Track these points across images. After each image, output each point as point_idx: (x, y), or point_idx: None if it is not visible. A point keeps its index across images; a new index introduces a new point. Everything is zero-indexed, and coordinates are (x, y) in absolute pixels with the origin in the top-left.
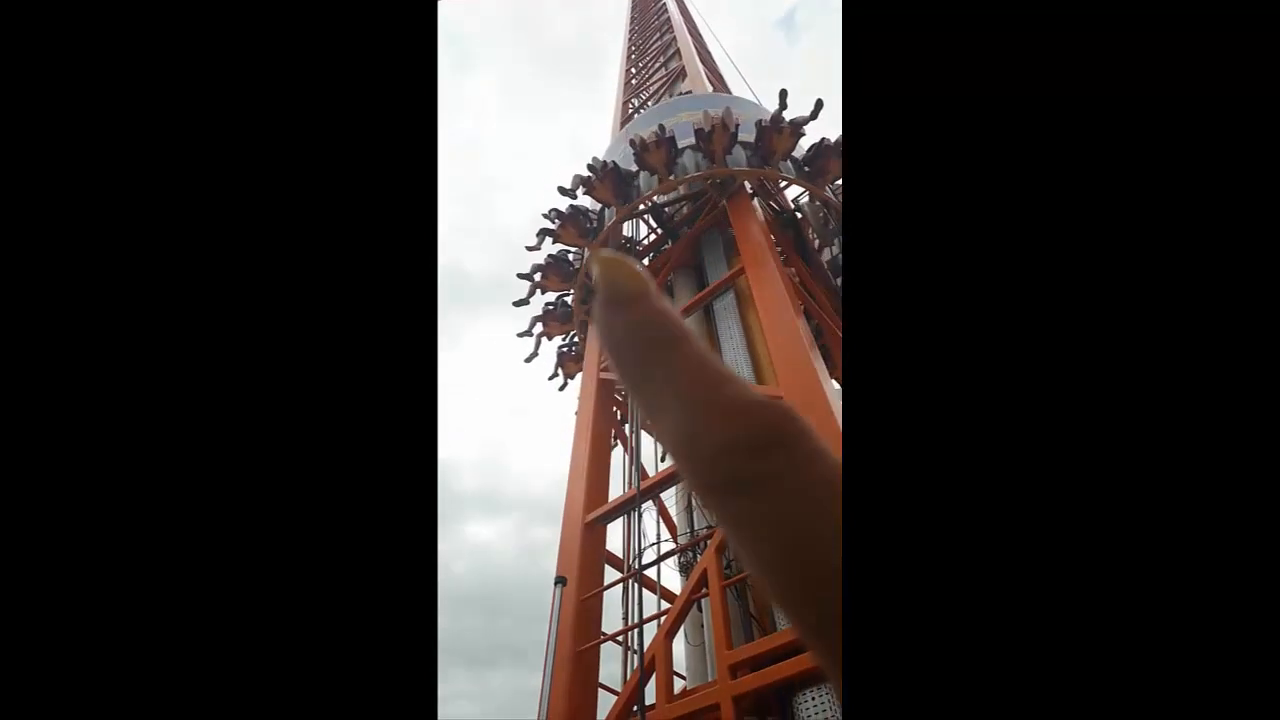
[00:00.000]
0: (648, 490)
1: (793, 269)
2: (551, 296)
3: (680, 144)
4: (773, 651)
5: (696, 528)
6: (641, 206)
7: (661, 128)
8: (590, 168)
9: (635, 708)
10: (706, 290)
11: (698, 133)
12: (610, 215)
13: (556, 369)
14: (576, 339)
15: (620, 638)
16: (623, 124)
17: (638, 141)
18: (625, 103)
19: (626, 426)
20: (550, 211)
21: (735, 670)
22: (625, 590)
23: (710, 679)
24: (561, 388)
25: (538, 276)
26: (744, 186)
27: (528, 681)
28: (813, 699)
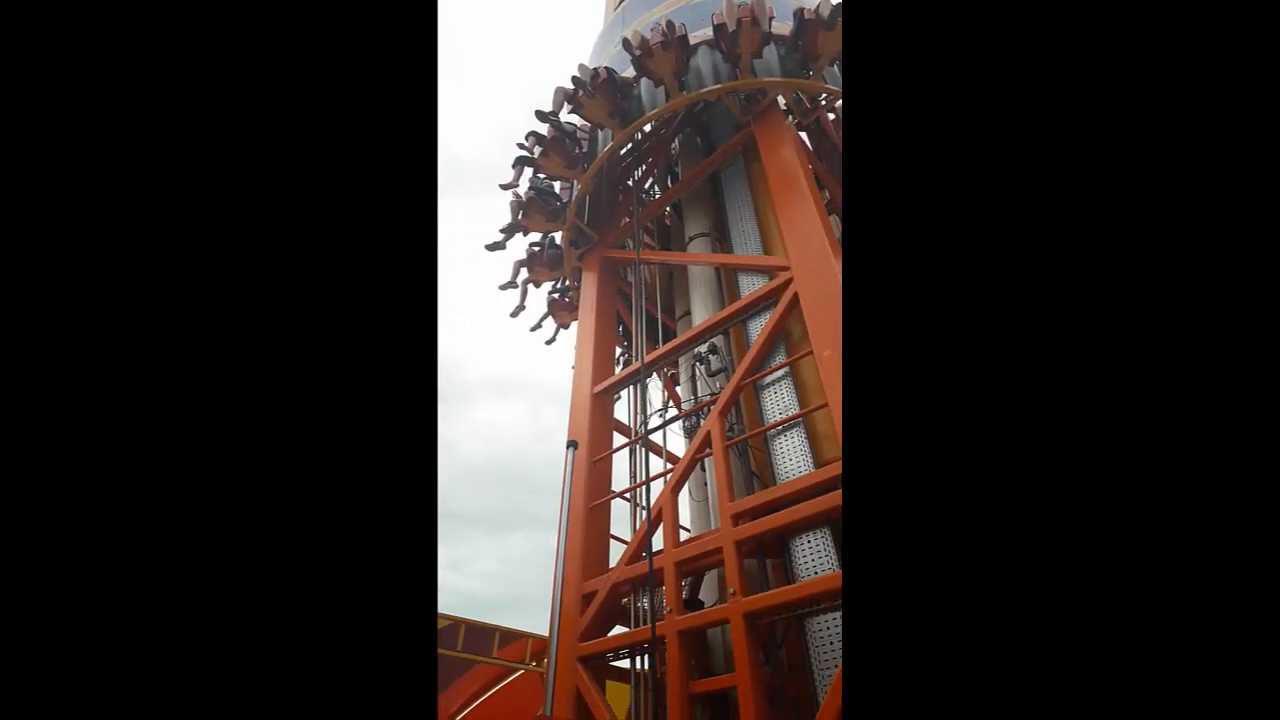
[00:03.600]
0: (652, 363)
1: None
2: (535, 237)
3: (692, 38)
4: (772, 503)
5: (700, 395)
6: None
7: (670, 24)
8: (576, 80)
9: (643, 554)
10: (749, 369)
11: (718, 28)
12: (605, 139)
13: (544, 318)
14: (569, 284)
15: (629, 495)
16: (617, 4)
17: (637, 41)
18: None
19: (632, 301)
20: (529, 136)
21: (737, 519)
22: (633, 454)
23: (714, 528)
24: (550, 340)
25: (519, 216)
26: (777, 102)
27: (543, 543)
28: (809, 543)
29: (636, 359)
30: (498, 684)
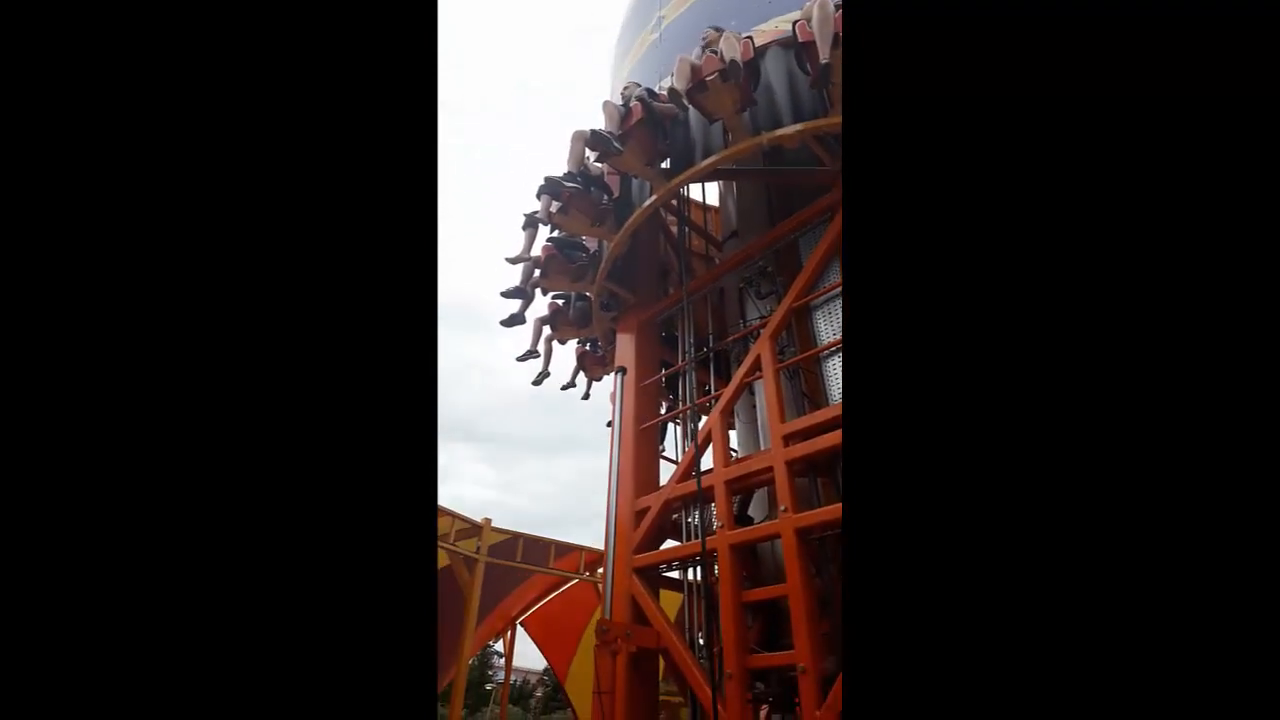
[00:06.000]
0: (696, 290)
1: None
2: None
3: (757, 37)
4: (824, 424)
5: (749, 319)
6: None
7: (722, 36)
8: (595, 136)
9: (693, 472)
10: (801, 290)
11: (801, 49)
12: (643, 186)
13: (576, 374)
14: (600, 343)
15: (678, 418)
16: None
17: (684, 74)
18: None
19: (674, 229)
20: (541, 191)
21: (788, 440)
22: (682, 377)
23: (764, 449)
24: (585, 395)
25: (536, 274)
26: None
27: (591, 464)
28: None
29: (681, 289)
30: (554, 591)
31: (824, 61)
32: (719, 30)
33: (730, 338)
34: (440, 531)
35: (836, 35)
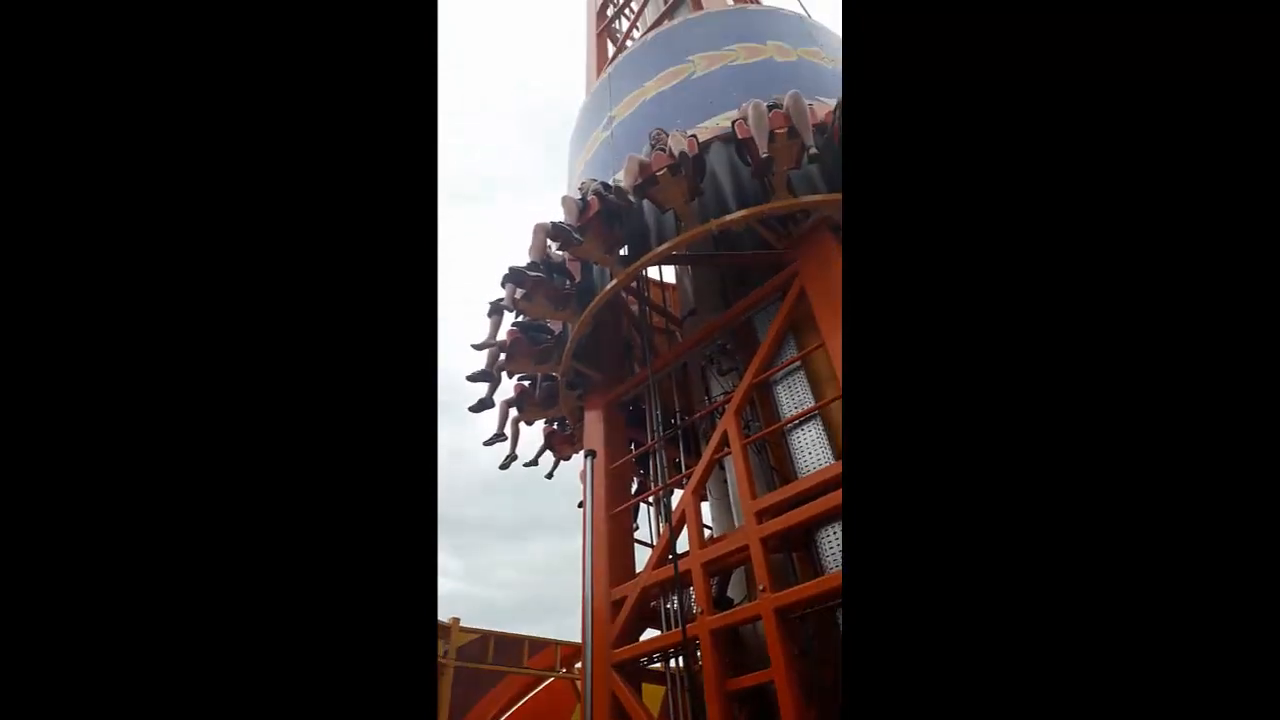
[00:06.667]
0: (662, 368)
1: None
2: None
3: (702, 133)
4: (794, 497)
5: (713, 395)
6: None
7: (663, 136)
8: (556, 228)
9: (669, 556)
10: (759, 366)
11: (742, 144)
12: (604, 275)
13: (541, 453)
14: (567, 421)
15: (650, 499)
16: (598, 66)
17: (631, 171)
18: (601, 33)
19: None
20: (509, 273)
21: (760, 516)
22: (652, 457)
23: (738, 525)
24: (549, 474)
25: (501, 357)
26: (825, 220)
27: (562, 547)
28: (834, 534)
29: (646, 368)
30: (530, 692)
31: (764, 155)
32: (664, 131)
33: (697, 415)
34: None
35: (772, 132)
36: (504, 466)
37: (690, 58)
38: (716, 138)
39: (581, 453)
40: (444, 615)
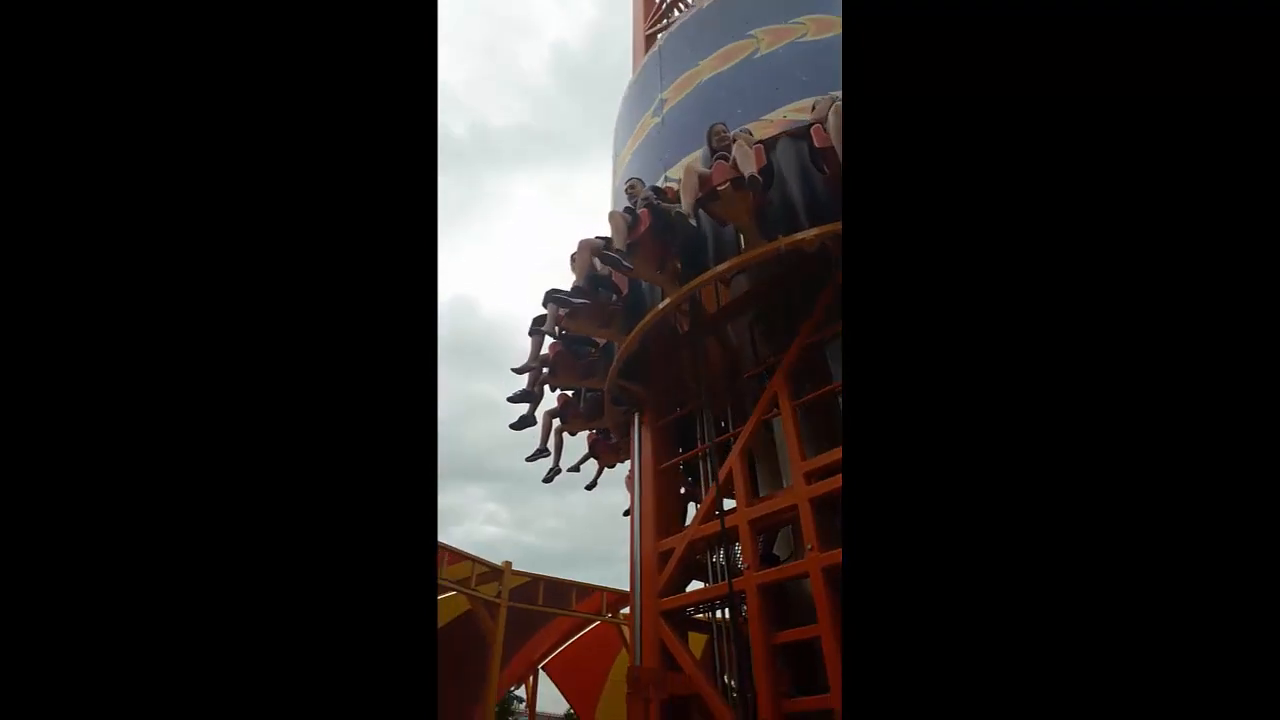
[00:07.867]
0: (711, 325)
1: None
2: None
3: (774, 125)
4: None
5: (760, 356)
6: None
7: (740, 149)
8: (605, 255)
9: (717, 513)
10: (811, 328)
11: (817, 153)
12: (654, 288)
13: (584, 460)
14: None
15: (698, 457)
16: (646, 47)
17: (695, 181)
18: (652, 19)
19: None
20: (548, 299)
21: (809, 477)
22: (700, 417)
23: (786, 485)
24: (590, 485)
25: (542, 377)
26: None
27: (602, 498)
28: None
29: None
30: (575, 634)
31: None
32: (725, 128)
33: (747, 374)
34: (461, 576)
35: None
36: (548, 480)
37: (752, 32)
38: (785, 133)
39: (627, 461)
40: (496, 559)
